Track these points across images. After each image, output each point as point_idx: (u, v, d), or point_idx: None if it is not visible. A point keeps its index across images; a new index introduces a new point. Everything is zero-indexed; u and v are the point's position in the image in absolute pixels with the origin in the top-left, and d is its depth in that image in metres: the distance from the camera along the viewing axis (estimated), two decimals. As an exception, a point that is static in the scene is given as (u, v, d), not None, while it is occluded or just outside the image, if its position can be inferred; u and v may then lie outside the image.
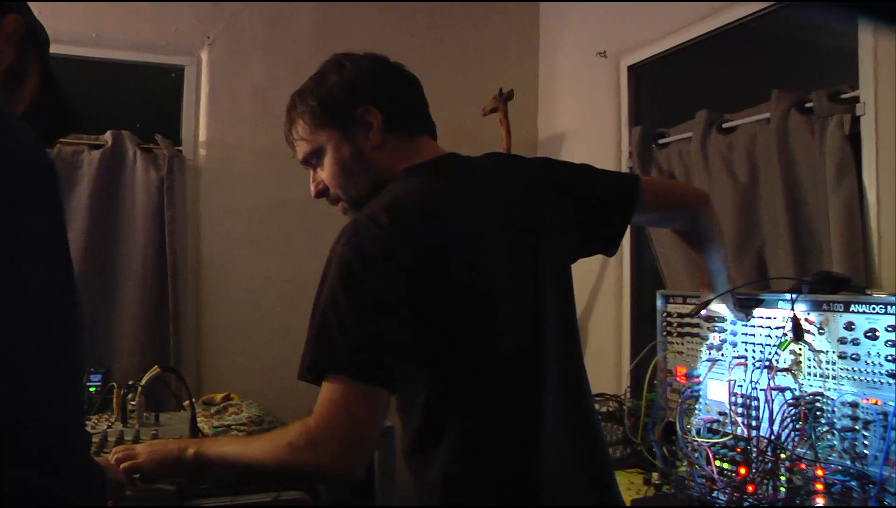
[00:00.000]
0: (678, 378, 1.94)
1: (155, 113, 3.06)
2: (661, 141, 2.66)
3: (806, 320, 1.60)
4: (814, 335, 1.59)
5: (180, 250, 2.83)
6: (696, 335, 1.89)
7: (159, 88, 3.10)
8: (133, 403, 1.80)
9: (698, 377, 1.87)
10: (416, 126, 1.35)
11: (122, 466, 1.31)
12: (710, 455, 1.77)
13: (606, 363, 2.83)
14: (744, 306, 1.73)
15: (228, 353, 2.94)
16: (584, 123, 3.08)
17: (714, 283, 1.66)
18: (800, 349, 1.62)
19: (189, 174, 2.93)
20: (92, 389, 2.36)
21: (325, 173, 1.32)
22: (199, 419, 2.28)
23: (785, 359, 1.64)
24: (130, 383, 1.81)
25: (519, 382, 1.23)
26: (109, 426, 1.78)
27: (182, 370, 2.79)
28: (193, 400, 2.49)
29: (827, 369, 1.56)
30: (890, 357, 1.45)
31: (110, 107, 2.96)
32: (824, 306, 1.58)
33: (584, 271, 2.86)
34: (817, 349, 1.58)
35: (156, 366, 1.84)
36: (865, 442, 1.48)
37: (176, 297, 2.80)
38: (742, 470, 1.71)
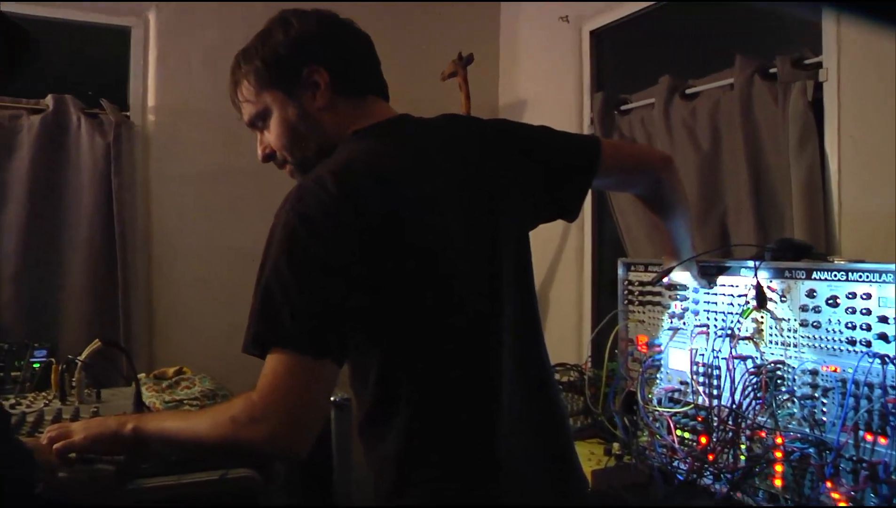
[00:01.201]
0: (639, 348, 1.91)
1: (100, 76, 2.92)
2: (623, 107, 2.62)
3: (768, 287, 1.58)
4: (776, 302, 1.57)
5: (129, 220, 2.73)
6: (658, 303, 1.87)
7: (105, 50, 2.96)
8: (75, 380, 1.72)
9: (660, 346, 1.85)
10: (367, 87, 1.29)
11: (55, 446, 1.25)
12: (671, 425, 1.76)
13: (567, 333, 2.81)
14: (706, 274, 1.71)
15: (181, 325, 2.85)
16: (545, 88, 3.03)
17: (678, 250, 1.63)
18: (762, 317, 1.60)
19: (137, 141, 2.82)
20: (36, 365, 2.26)
21: (271, 136, 1.27)
22: (149, 394, 2.21)
23: (747, 327, 1.62)
24: (70, 357, 1.73)
25: (475, 352, 1.19)
26: (47, 404, 1.70)
27: (133, 344, 2.72)
28: (144, 374, 2.43)
29: (788, 337, 1.54)
30: (849, 325, 1.44)
31: (52, 69, 2.81)
32: (786, 274, 1.56)
33: (545, 239, 2.83)
34: (779, 316, 1.56)
35: (96, 340, 1.76)
36: (824, 409, 1.48)
37: (125, 268, 2.70)
38: (703, 440, 1.70)
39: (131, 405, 1.67)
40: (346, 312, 1.08)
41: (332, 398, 2.16)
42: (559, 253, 2.89)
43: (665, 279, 1.73)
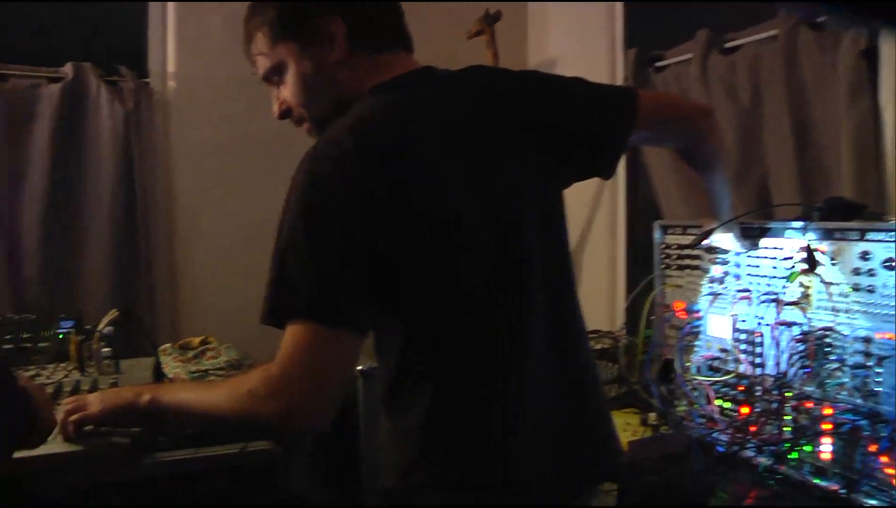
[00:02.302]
0: (677, 314, 1.83)
1: (119, 43, 2.86)
2: (657, 64, 2.51)
3: (817, 250, 1.48)
4: (825, 265, 1.47)
5: (150, 188, 2.69)
6: (697, 267, 1.78)
7: (123, 17, 2.90)
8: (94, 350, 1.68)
9: (698, 312, 1.76)
10: (387, 39, 1.21)
11: (72, 418, 1.22)
12: (711, 394, 1.68)
13: (600, 299, 2.73)
14: (748, 236, 1.62)
15: (205, 295, 2.82)
16: (575, 46, 2.92)
17: (718, 209, 1.54)
18: (809, 282, 1.50)
19: (157, 108, 2.76)
20: (61, 336, 2.24)
21: (287, 92, 1.20)
22: (175, 364, 2.18)
23: (793, 292, 1.53)
24: (88, 328, 1.69)
25: (501, 322, 1.12)
26: (66, 376, 1.67)
27: (157, 314, 2.70)
28: (169, 344, 2.41)
29: (838, 302, 1.45)
30: (908, 288, 1.34)
31: (70, 37, 2.76)
32: (837, 235, 1.45)
33: (576, 202, 2.72)
34: (828, 280, 1.47)
35: (114, 310, 1.72)
36: (878, 380, 1.38)
37: (147, 237, 2.67)
38: (744, 410, 1.62)
39: (150, 376, 1.63)
40: (366, 279, 1.02)
41: (359, 367, 2.11)
42: (591, 217, 2.80)
43: (705, 242, 1.64)
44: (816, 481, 1.44)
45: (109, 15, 2.88)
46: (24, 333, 2.23)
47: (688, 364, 1.77)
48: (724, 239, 1.61)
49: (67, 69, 2.62)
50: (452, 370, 1.10)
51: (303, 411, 1.02)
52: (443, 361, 1.10)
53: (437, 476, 1.09)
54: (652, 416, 1.83)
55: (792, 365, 1.49)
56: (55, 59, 2.63)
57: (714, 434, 1.66)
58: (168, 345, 2.40)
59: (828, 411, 1.44)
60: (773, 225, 1.60)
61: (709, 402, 1.68)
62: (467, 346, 1.10)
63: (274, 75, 1.21)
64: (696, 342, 1.77)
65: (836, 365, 1.44)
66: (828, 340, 1.46)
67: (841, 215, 1.51)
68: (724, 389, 1.68)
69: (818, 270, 1.47)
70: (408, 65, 1.21)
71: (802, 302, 1.52)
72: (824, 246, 1.47)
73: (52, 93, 2.57)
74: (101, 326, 1.68)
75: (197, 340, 2.48)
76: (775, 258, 1.57)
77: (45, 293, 2.58)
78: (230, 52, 2.74)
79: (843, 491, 1.38)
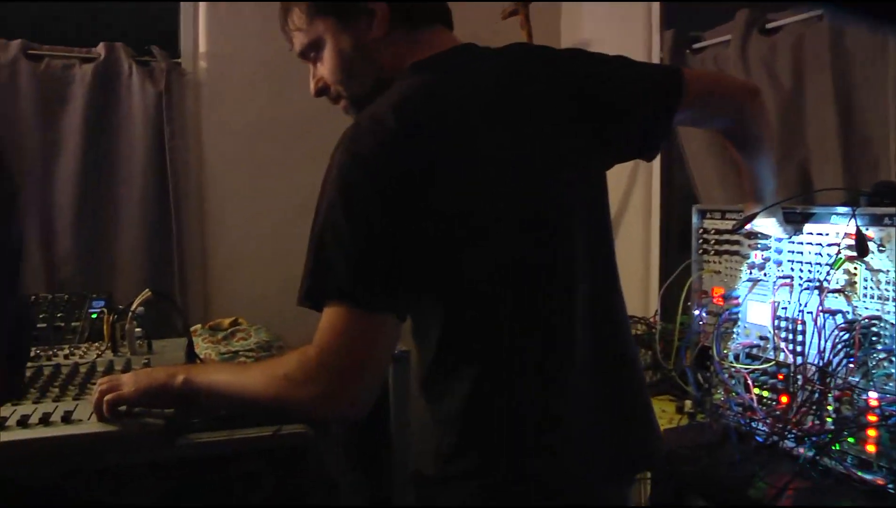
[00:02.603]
0: (715, 300, 1.79)
1: (151, 23, 2.86)
2: (695, 46, 2.44)
3: (866, 236, 1.43)
4: (872, 252, 1.42)
5: (181, 169, 2.68)
6: (736, 253, 1.74)
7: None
8: (126, 330, 1.69)
9: (737, 298, 1.72)
10: (426, 16, 1.18)
11: (106, 398, 1.21)
12: (749, 383, 1.64)
13: (634, 285, 2.69)
14: (791, 221, 1.57)
15: (236, 276, 2.82)
16: (610, 27, 2.86)
17: (761, 193, 1.49)
18: (855, 269, 1.46)
19: (188, 88, 2.75)
20: (94, 316, 2.26)
21: (324, 68, 1.18)
22: (205, 346, 2.19)
23: (837, 279, 1.49)
24: (121, 307, 1.69)
25: (543, 308, 1.09)
26: (99, 355, 1.67)
27: (188, 294, 2.70)
28: (200, 325, 2.41)
29: (886, 290, 1.40)
30: (961, 276, 1.29)
31: (102, 17, 2.76)
32: (885, 221, 1.41)
33: (609, 185, 2.69)
34: (876, 267, 1.42)
35: (147, 290, 1.72)
36: (928, 370, 1.34)
37: (179, 219, 2.67)
38: (784, 399, 1.58)
39: (183, 356, 1.63)
40: (406, 261, 1.00)
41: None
42: (625, 202, 2.75)
43: (746, 227, 1.60)
44: (861, 474, 1.40)
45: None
46: (58, 312, 2.24)
47: (725, 351, 1.74)
48: (766, 224, 1.57)
49: (100, 49, 2.61)
50: (492, 357, 1.07)
51: (339, 396, 1.00)
52: (483, 347, 1.07)
53: (477, 465, 1.07)
54: (688, 404, 1.79)
55: (836, 354, 1.45)
56: (88, 40, 2.63)
57: (752, 423, 1.62)
58: (198, 326, 2.40)
59: (873, 402, 1.40)
60: (818, 210, 1.55)
61: (747, 390, 1.64)
62: (508, 332, 1.08)
63: (311, 52, 1.19)
64: (735, 329, 1.73)
65: (882, 355, 1.40)
66: (874, 329, 1.42)
67: (890, 200, 1.46)
68: (762, 377, 1.64)
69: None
70: (448, 42, 1.18)
71: (848, 290, 1.47)
72: (872, 232, 1.43)
73: (84, 73, 2.57)
74: (134, 306, 1.68)
75: (227, 321, 2.49)
76: (820, 245, 1.53)
77: (77, 273, 2.59)
78: (262, 33, 2.77)
79: (890, 487, 1.34)
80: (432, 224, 1.01)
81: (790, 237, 1.58)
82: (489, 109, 1.11)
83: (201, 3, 2.78)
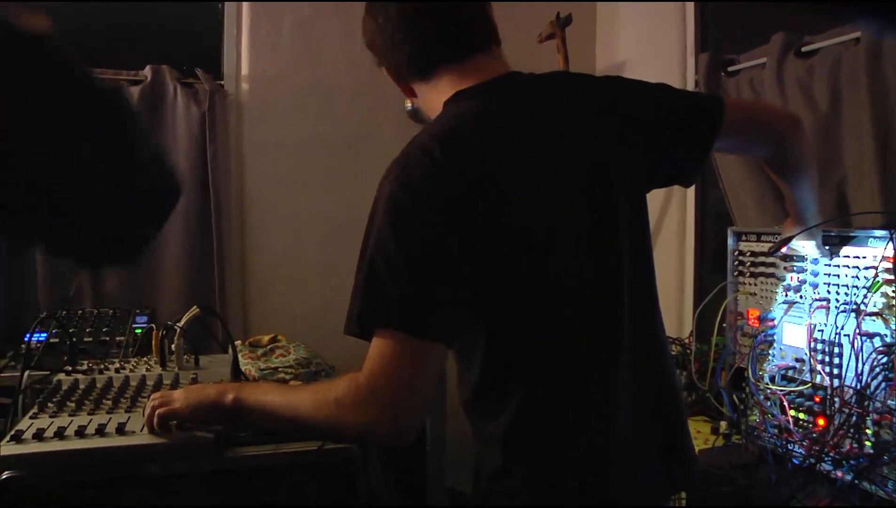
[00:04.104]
0: (750, 322, 1.80)
1: (195, 46, 2.96)
2: (730, 69, 2.46)
3: (904, 259, 1.44)
4: (911, 276, 1.43)
5: (224, 188, 2.76)
6: (772, 275, 1.75)
7: (199, 20, 2.99)
8: (174, 346, 1.74)
9: (773, 320, 1.73)
10: (433, 62, 1.19)
11: (158, 412, 1.26)
12: (786, 404, 1.65)
13: (668, 306, 2.68)
14: (829, 243, 1.58)
15: (275, 293, 2.88)
16: (645, 50, 2.89)
17: (803, 216, 1.51)
18: (893, 292, 1.46)
19: (231, 109, 2.84)
20: (137, 331, 2.32)
21: None
22: (245, 362, 2.23)
23: (875, 302, 1.49)
24: (169, 324, 1.75)
25: (588, 334, 1.12)
26: (149, 369, 1.73)
27: (228, 312, 2.76)
28: (239, 342, 2.46)
29: (925, 313, 1.41)
30: None
31: (149, 41, 2.86)
32: (924, 244, 1.42)
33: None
34: (914, 291, 1.43)
35: (195, 307, 1.77)
36: (968, 395, 1.34)
37: (220, 236, 2.74)
38: (821, 422, 1.58)
39: (228, 372, 1.68)
40: (456, 289, 1.03)
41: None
42: (660, 223, 2.76)
43: (783, 249, 1.61)
44: (902, 498, 1.40)
45: (187, 19, 2.98)
46: (103, 326, 2.31)
47: (761, 373, 1.74)
48: (805, 245, 1.58)
49: (147, 72, 2.71)
50: (538, 378, 1.10)
51: (388, 423, 1.02)
52: (528, 368, 1.10)
53: (521, 485, 1.09)
54: (723, 425, 1.80)
55: (874, 377, 1.45)
56: (135, 63, 2.72)
57: (789, 446, 1.62)
58: (238, 342, 2.46)
59: (913, 425, 1.40)
60: (856, 233, 1.56)
61: (783, 412, 1.65)
62: (553, 353, 1.10)
63: None
64: (770, 351, 1.74)
65: (921, 378, 1.40)
66: (913, 352, 1.42)
67: (928, 223, 1.46)
68: (798, 399, 1.64)
69: (904, 280, 1.43)
70: (493, 68, 1.20)
71: (885, 313, 1.48)
72: (910, 256, 1.43)
73: (132, 95, 2.66)
74: (182, 322, 1.74)
75: (266, 338, 2.53)
76: (857, 268, 1.54)
77: (121, 288, 2.67)
78: (302, 55, 2.85)
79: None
80: (481, 250, 1.04)
81: (829, 259, 1.59)
82: (534, 133, 1.14)
83: (244, 27, 2.86)
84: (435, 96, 1.19)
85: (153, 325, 1.96)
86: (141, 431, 1.32)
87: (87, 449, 1.27)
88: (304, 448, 1.35)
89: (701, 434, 1.79)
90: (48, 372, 1.66)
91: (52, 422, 1.35)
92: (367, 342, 1.03)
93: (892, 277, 1.43)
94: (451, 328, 1.04)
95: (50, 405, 1.45)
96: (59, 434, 1.29)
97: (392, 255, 1.01)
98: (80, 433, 1.30)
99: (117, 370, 1.72)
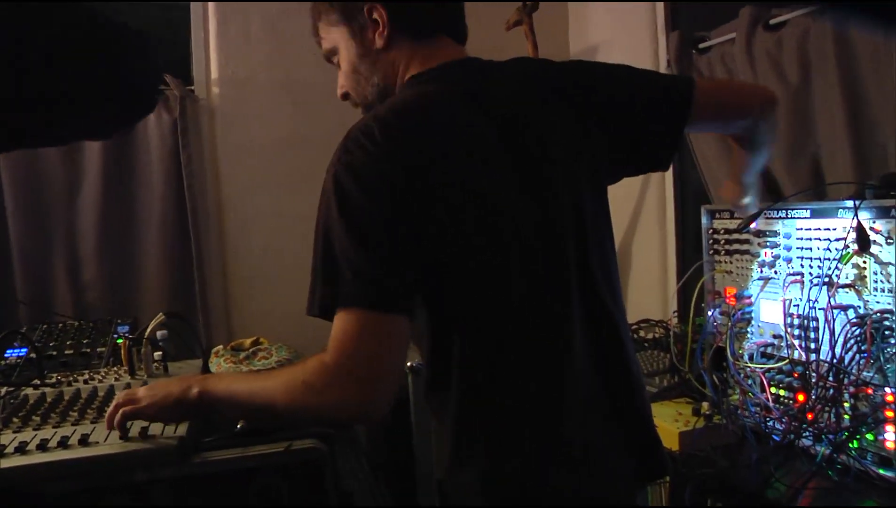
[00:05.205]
0: (727, 300, 1.78)
1: (163, 52, 2.93)
2: (701, 46, 2.43)
3: (871, 228, 1.42)
4: (881, 245, 1.41)
5: (199, 193, 2.74)
6: (746, 251, 1.73)
7: (166, 26, 2.97)
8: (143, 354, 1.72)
9: (749, 297, 1.71)
10: (434, 26, 1.21)
11: (122, 411, 1.23)
12: (765, 382, 1.63)
13: (651, 288, 2.68)
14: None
15: (258, 296, 2.87)
16: (617, 31, 2.86)
17: (747, 178, 1.48)
18: (864, 263, 1.44)
19: (203, 114, 2.82)
20: (119, 341, 2.30)
21: (340, 75, 1.25)
22: (227, 366, 2.22)
23: (847, 274, 1.47)
24: (137, 332, 1.73)
25: (534, 315, 1.10)
26: (117, 379, 1.71)
27: (210, 316, 2.75)
28: (222, 347, 2.45)
29: (896, 282, 1.39)
30: (970, 266, 1.27)
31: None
32: (893, 213, 1.39)
33: (624, 191, 2.69)
34: (885, 260, 1.40)
35: (160, 313, 1.75)
36: (943, 362, 1.32)
37: (198, 242, 2.72)
38: (800, 397, 1.57)
39: (199, 378, 1.66)
40: (404, 265, 1.02)
41: (409, 364, 2.11)
42: (639, 205, 2.74)
43: (753, 225, 1.59)
44: (881, 471, 1.38)
45: (152, 25, 2.94)
46: (84, 338, 2.29)
47: (740, 352, 1.72)
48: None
49: (115, 80, 2.68)
50: (485, 365, 1.08)
51: (359, 400, 1.01)
52: (474, 355, 1.07)
53: (478, 477, 1.07)
54: (705, 406, 1.78)
55: (848, 350, 1.43)
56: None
57: (769, 423, 1.61)
58: (220, 347, 2.44)
59: (889, 397, 1.38)
60: (824, 205, 1.54)
61: (763, 390, 1.63)
62: (500, 341, 1.08)
63: (332, 57, 1.26)
64: (748, 329, 1.72)
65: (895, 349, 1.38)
66: (887, 323, 1.40)
67: (896, 191, 1.44)
68: (778, 376, 1.63)
69: (873, 250, 1.41)
70: (452, 54, 1.20)
71: (858, 284, 1.46)
72: (879, 225, 1.41)
73: (101, 105, 2.63)
74: (149, 329, 1.72)
75: (248, 341, 2.52)
76: (828, 240, 1.52)
77: (102, 299, 2.66)
78: (273, 55, 2.82)
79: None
80: (420, 232, 1.03)
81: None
82: (479, 120, 1.12)
83: (212, 29, 2.83)
84: (393, 61, 1.19)
85: (128, 335, 1.94)
86: (105, 441, 1.30)
87: (50, 462, 1.25)
88: (271, 450, 1.33)
89: (682, 416, 1.77)
90: (13, 388, 1.63)
91: (14, 437, 1.33)
92: (330, 321, 1.02)
93: (859, 246, 1.41)
94: (410, 301, 1.03)
95: (15, 419, 1.44)
96: (21, 450, 1.27)
97: (340, 234, 1.01)
98: (43, 446, 1.28)
99: (86, 382, 1.70)
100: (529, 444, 1.08)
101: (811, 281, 1.55)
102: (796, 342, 1.57)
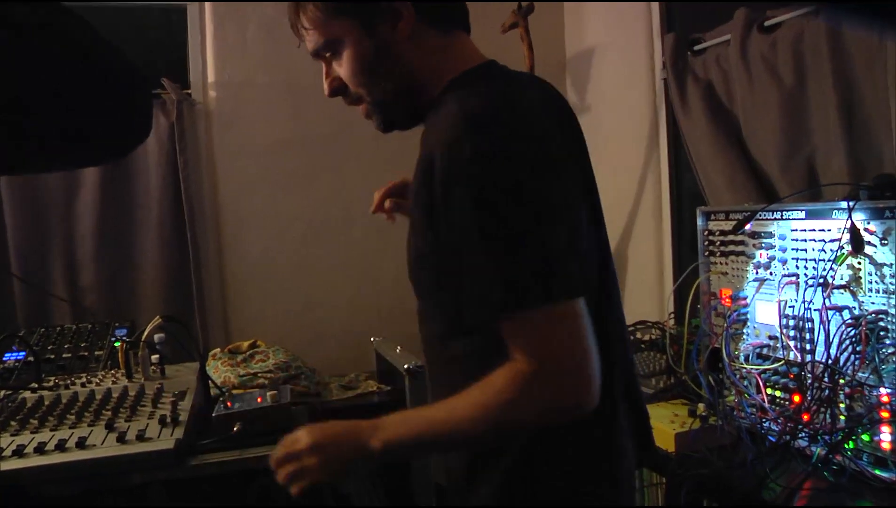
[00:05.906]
0: (723, 301, 1.78)
1: (160, 57, 2.93)
2: (696, 48, 2.44)
3: (866, 229, 1.42)
4: (875, 246, 1.41)
5: (196, 197, 2.75)
6: (742, 253, 1.73)
7: (162, 30, 2.97)
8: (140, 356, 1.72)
9: (745, 298, 1.72)
10: (451, 18, 1.13)
11: (296, 484, 1.12)
12: (761, 383, 1.63)
13: (648, 290, 2.68)
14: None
15: (253, 299, 2.87)
16: (613, 34, 2.87)
17: None
18: (859, 264, 1.45)
19: (200, 118, 2.82)
20: (117, 344, 2.30)
21: (343, 71, 1.11)
22: (224, 368, 2.22)
23: (842, 275, 1.48)
24: (134, 335, 1.73)
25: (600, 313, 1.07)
26: (115, 382, 1.71)
27: (208, 319, 2.75)
28: (220, 350, 2.45)
29: (891, 284, 1.39)
30: (964, 267, 1.28)
31: (114, 52, 2.84)
32: (887, 214, 1.40)
33: (621, 193, 2.70)
34: (879, 261, 1.41)
35: (157, 317, 1.75)
36: (937, 363, 1.33)
37: (195, 245, 2.73)
38: (796, 398, 1.57)
39: (195, 380, 1.66)
40: (581, 241, 1.00)
41: (406, 366, 2.11)
42: (636, 207, 2.75)
43: (747, 226, 1.59)
44: (877, 472, 1.39)
45: (149, 30, 2.95)
46: (82, 342, 2.30)
47: (736, 353, 1.73)
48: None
49: (112, 84, 2.68)
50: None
51: (575, 393, 0.94)
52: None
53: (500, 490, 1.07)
54: (701, 407, 1.78)
55: (843, 351, 1.44)
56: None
57: (765, 424, 1.61)
58: (217, 349, 2.45)
59: (885, 398, 1.38)
60: (818, 206, 1.54)
61: (759, 391, 1.63)
62: None
63: (326, 52, 1.11)
64: (744, 330, 1.73)
65: (891, 349, 1.39)
66: (882, 324, 1.41)
67: (891, 192, 1.45)
68: (774, 377, 1.63)
69: (868, 250, 1.42)
70: (474, 55, 1.14)
71: (853, 285, 1.46)
72: (874, 226, 1.42)
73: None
74: (146, 332, 1.72)
75: (246, 344, 2.52)
76: (822, 241, 1.52)
77: (100, 302, 2.66)
78: (269, 57, 2.83)
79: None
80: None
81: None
82: (560, 119, 1.11)
83: (208, 33, 2.84)
84: (420, 55, 1.09)
85: (125, 339, 1.94)
86: (102, 443, 1.30)
87: (47, 465, 1.25)
88: (268, 453, 1.33)
89: (678, 417, 1.77)
90: (11, 391, 1.64)
91: (12, 440, 1.33)
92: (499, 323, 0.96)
93: (853, 247, 1.41)
94: (589, 281, 1.00)
95: (13, 423, 1.44)
96: (19, 453, 1.27)
97: (514, 222, 0.93)
98: (40, 449, 1.28)
99: (83, 385, 1.71)
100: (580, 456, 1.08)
101: (806, 282, 1.55)
102: (792, 343, 1.58)
